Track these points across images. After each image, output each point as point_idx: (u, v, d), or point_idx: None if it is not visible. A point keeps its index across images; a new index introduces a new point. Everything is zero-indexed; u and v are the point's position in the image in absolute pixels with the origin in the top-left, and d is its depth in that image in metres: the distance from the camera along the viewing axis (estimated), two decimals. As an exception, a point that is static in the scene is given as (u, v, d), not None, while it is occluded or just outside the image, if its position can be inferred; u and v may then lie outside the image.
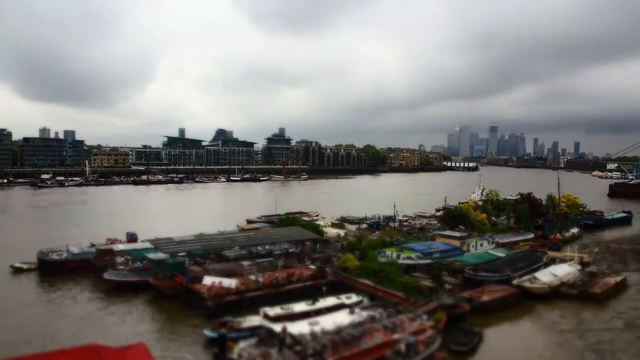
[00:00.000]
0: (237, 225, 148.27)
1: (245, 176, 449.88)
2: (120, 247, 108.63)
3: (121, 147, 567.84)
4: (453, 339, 66.67)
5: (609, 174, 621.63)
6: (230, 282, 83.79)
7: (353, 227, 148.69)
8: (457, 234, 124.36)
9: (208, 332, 64.94)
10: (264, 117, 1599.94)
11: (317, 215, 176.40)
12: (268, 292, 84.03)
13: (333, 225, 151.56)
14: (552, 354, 66.56)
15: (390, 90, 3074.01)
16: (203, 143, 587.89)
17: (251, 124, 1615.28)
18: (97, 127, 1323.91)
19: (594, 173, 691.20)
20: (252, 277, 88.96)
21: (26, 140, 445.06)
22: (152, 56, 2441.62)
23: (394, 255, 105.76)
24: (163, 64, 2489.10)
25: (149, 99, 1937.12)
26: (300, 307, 71.08)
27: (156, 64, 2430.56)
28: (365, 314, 66.15)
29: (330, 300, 75.04)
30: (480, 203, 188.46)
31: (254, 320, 66.35)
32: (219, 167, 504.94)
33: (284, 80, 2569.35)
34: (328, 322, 61.93)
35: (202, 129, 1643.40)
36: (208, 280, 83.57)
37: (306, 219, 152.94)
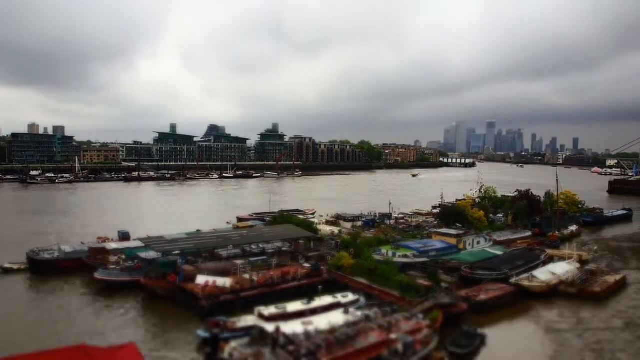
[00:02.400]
0: (228, 222, 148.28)
1: (237, 173, 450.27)
2: (113, 245, 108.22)
3: (112, 143, 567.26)
4: (453, 341, 66.86)
5: (609, 170, 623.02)
6: (224, 282, 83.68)
7: (348, 225, 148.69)
8: (453, 231, 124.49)
9: (202, 332, 64.87)
10: (262, 104, 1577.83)
11: (314, 214, 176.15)
12: (263, 291, 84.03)
13: (328, 222, 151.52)
14: (550, 353, 66.79)
15: (447, 65, 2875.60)
16: (195, 139, 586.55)
17: (247, 113, 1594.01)
18: (83, 119, 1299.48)
19: (593, 169, 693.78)
20: (247, 276, 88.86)
21: (15, 136, 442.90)
22: (140, 26, 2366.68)
23: (390, 253, 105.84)
24: (153, 36, 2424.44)
25: (138, 82, 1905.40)
26: (295, 306, 71.07)
27: (145, 37, 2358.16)
28: (359, 313, 66.26)
29: (326, 299, 74.97)
30: (477, 200, 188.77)
31: (248, 320, 66.21)
32: (211, 163, 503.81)
33: (300, 44, 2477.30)
34: (322, 321, 62.06)
35: (195, 121, 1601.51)
36: (201, 279, 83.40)
37: (301, 217, 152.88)
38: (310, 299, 74.15)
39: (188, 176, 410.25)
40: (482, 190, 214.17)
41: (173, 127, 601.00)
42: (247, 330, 62.01)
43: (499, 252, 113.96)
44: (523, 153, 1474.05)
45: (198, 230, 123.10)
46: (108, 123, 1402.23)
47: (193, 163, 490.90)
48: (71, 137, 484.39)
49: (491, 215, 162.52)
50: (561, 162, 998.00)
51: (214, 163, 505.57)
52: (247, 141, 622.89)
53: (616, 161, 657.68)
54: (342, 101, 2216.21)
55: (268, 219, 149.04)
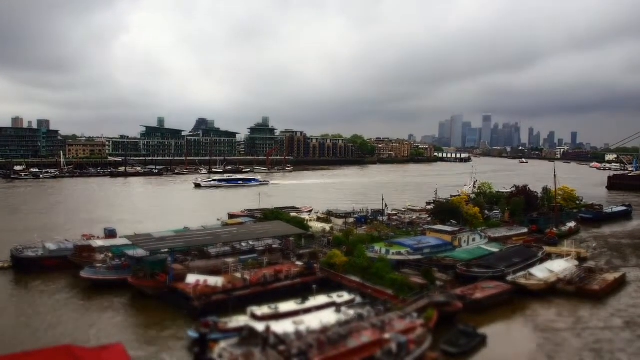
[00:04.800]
0: (218, 220, 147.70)
1: (227, 168, 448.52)
2: (99, 243, 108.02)
3: (97, 137, 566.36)
4: (448, 340, 66.94)
5: (608, 165, 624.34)
6: (216, 281, 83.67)
7: (340, 222, 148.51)
8: (448, 228, 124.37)
9: (192, 333, 64.73)
10: (260, 85, 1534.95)
11: (310, 211, 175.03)
12: (256, 290, 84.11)
13: (319, 219, 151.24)
14: (548, 353, 66.94)
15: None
16: (183, 133, 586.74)
17: (242, 100, 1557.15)
18: (63, 109, 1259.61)
19: (592, 164, 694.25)
20: (238, 275, 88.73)
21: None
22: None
23: (383, 250, 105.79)
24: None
25: (122, 58, 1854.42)
26: (289, 306, 71.34)
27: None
28: (352, 312, 66.41)
29: (321, 299, 75.22)
30: (472, 196, 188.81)
31: (240, 321, 66.12)
32: (199, 158, 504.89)
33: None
34: (314, 321, 62.16)
35: (184, 111, 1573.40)
36: (192, 278, 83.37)
37: (295, 214, 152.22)
38: (305, 298, 74.30)
39: (176, 171, 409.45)
40: (476, 186, 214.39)
41: (161, 120, 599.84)
42: (239, 331, 61.96)
43: (495, 250, 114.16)
44: (520, 148, 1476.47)
45: (186, 228, 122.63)
46: (91, 113, 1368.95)
47: (181, 158, 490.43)
48: (56, 131, 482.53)
49: (487, 212, 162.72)
50: (559, 157, 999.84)
51: (202, 158, 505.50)
52: (237, 135, 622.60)
53: (615, 156, 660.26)
54: (357, 84, 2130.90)
55: (259, 215, 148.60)
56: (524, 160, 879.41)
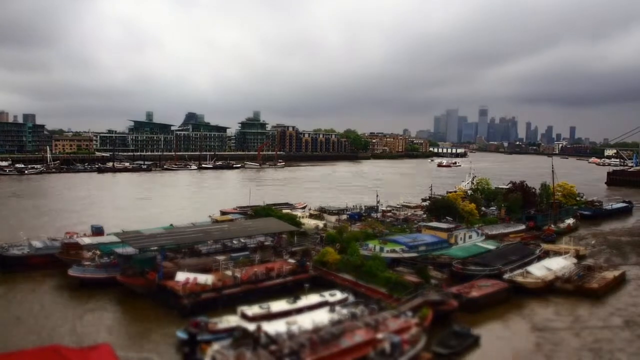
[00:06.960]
0: (209, 216, 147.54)
1: (217, 163, 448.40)
2: (86, 240, 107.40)
3: (84, 131, 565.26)
4: (440, 341, 67.00)
5: (607, 160, 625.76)
6: (206, 279, 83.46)
7: (332, 218, 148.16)
8: (444, 225, 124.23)
9: (181, 333, 64.64)
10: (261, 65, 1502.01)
11: (304, 208, 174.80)
12: (247, 288, 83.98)
13: (311, 216, 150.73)
14: (546, 353, 67.02)
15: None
16: (172, 127, 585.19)
17: (239, 87, 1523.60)
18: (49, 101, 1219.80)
19: (591, 160, 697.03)
20: (229, 273, 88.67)
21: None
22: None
23: (377, 248, 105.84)
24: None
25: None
26: (280, 305, 71.21)
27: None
28: (345, 311, 66.47)
29: (313, 298, 75.11)
30: (469, 192, 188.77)
31: (231, 321, 66.08)
32: (189, 153, 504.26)
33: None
34: (306, 320, 62.22)
35: (176, 102, 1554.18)
36: (182, 276, 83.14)
37: (288, 211, 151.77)
38: (297, 297, 74.28)
39: (165, 167, 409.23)
40: (474, 182, 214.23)
41: (149, 115, 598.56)
42: (229, 332, 61.88)
43: (491, 247, 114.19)
44: (517, 143, 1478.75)
45: (171, 225, 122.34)
46: (73, 102, 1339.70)
47: (170, 153, 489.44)
48: (42, 126, 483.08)
49: (483, 208, 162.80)
50: (557, 152, 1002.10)
51: (192, 153, 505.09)
52: (227, 130, 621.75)
53: (615, 151, 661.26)
54: (380, 62, 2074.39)
55: (250, 212, 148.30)
56: (443, 162, 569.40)
